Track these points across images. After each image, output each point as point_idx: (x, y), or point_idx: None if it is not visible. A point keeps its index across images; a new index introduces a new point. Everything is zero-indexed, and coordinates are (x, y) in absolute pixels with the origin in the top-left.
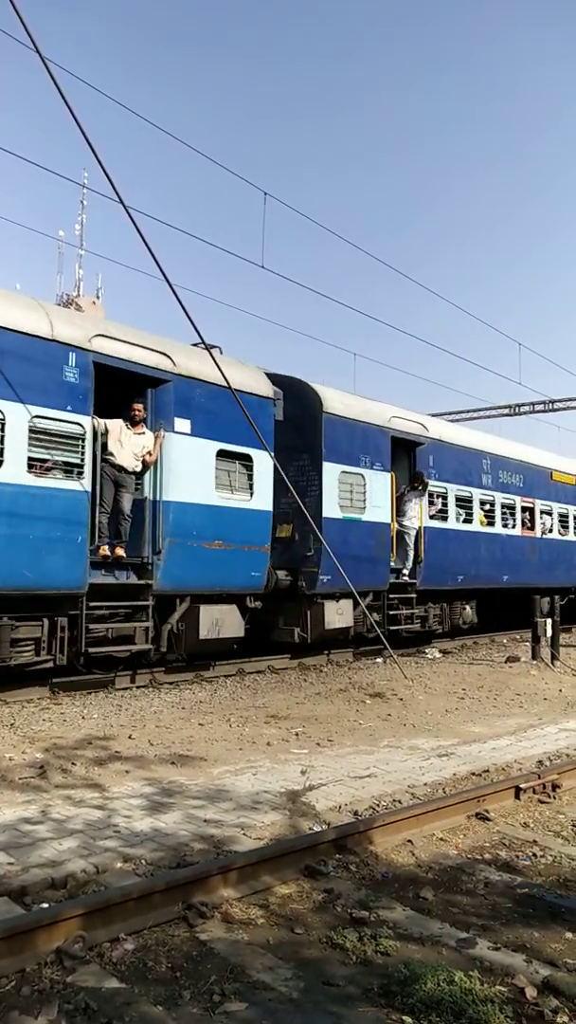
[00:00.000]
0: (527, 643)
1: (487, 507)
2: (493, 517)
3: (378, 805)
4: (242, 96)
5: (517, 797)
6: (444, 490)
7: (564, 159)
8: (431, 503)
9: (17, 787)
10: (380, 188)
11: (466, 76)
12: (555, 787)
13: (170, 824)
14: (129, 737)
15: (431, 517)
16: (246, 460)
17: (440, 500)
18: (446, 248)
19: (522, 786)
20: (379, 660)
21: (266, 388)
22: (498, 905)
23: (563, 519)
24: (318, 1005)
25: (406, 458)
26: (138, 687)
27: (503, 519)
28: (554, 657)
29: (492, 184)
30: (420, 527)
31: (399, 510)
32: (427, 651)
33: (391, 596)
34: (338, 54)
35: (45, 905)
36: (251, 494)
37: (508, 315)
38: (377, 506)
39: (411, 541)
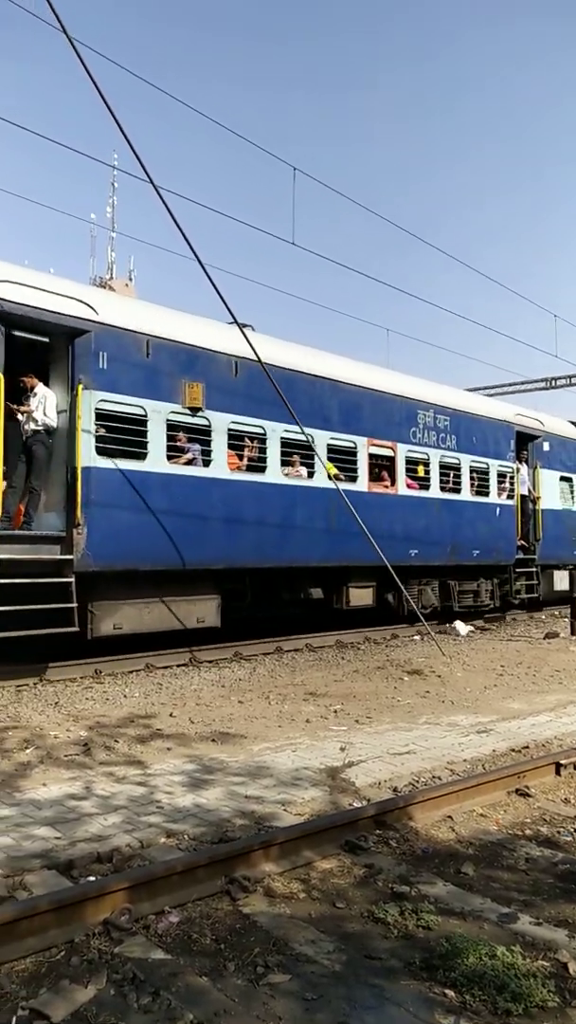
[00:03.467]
0: (566, 619)
1: None
2: None
3: (418, 781)
4: (268, 71)
5: (558, 773)
6: None
7: None
8: None
9: (63, 764)
10: (408, 153)
11: (497, 32)
12: None
13: (212, 800)
14: (170, 715)
15: None
16: None
17: None
18: (474, 210)
19: (563, 762)
20: (416, 637)
21: None
22: (540, 881)
23: None
24: (360, 978)
25: None
26: (178, 666)
27: None
28: None
29: (523, 142)
30: None
31: None
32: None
33: None
34: (368, 25)
35: (92, 878)
36: None
37: (541, 281)
38: None
39: None
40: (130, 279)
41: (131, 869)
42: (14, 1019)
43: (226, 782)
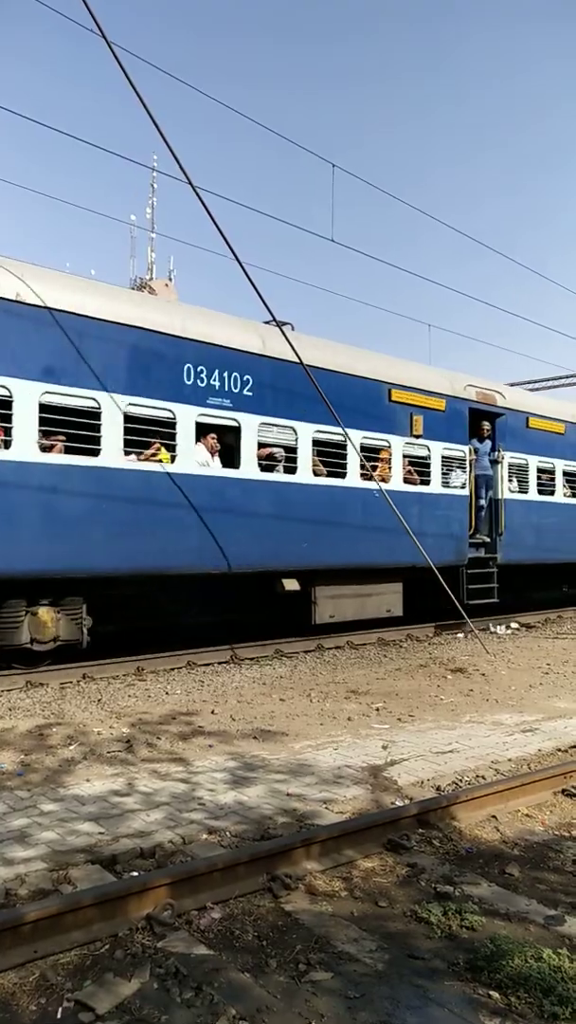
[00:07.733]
0: None
1: None
2: None
3: (461, 780)
4: (303, 71)
5: None
6: None
7: None
8: None
9: (105, 760)
10: (454, 133)
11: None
12: None
13: (253, 798)
14: (212, 712)
15: None
16: None
17: None
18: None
19: None
20: (460, 635)
21: None
22: None
23: None
24: (403, 978)
25: None
26: (219, 663)
27: None
28: None
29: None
30: None
31: None
32: (497, 628)
33: None
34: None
35: (135, 874)
36: None
37: None
38: None
39: None
40: (170, 279)
41: (173, 865)
42: (60, 1010)
43: (268, 780)
